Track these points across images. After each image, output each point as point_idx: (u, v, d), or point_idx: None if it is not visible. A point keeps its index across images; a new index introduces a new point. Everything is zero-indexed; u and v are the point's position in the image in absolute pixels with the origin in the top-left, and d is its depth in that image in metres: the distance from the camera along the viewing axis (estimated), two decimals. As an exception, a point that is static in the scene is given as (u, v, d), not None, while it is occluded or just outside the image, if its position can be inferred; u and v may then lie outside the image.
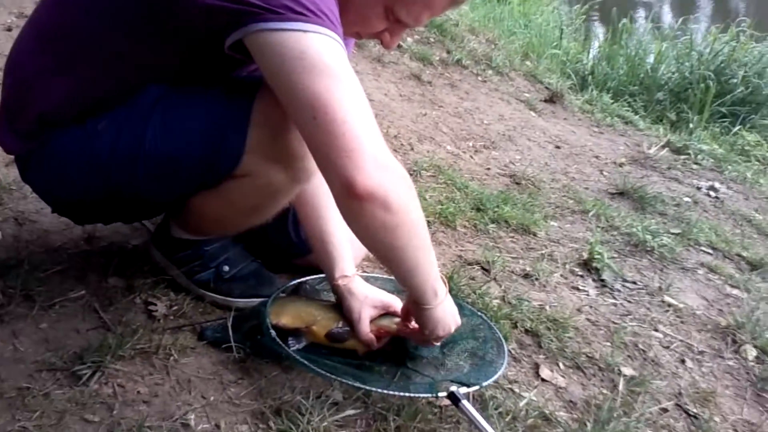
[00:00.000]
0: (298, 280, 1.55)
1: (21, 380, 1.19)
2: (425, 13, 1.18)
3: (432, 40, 4.49)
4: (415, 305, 1.28)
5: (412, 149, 2.92)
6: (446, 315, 1.30)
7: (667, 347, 1.80)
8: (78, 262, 1.54)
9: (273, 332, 1.32)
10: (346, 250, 1.44)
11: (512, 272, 2.00)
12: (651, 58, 6.12)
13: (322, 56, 1.01)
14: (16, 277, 1.41)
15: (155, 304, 1.44)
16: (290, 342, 1.34)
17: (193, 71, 1.22)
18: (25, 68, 1.28)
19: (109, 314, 1.40)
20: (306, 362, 1.27)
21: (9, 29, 3.02)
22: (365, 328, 1.36)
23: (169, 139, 1.23)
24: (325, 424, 1.21)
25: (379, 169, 1.02)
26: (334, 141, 1.01)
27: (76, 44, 1.20)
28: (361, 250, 1.70)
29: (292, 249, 1.62)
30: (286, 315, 1.38)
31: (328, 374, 1.26)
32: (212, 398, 1.25)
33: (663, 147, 3.88)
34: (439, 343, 1.40)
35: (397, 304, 1.41)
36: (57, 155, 1.27)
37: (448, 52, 4.48)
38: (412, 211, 1.11)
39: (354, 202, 1.04)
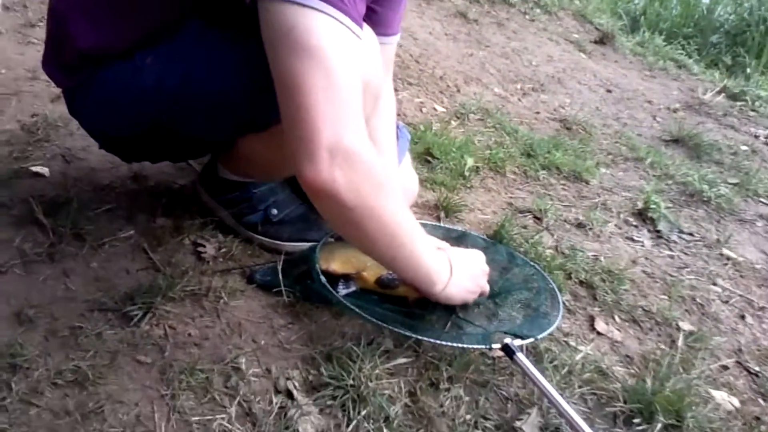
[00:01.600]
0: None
1: (74, 319, 1.19)
2: None
3: (479, -24, 4.33)
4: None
5: (459, 91, 2.83)
6: (457, 293, 1.27)
7: (726, 302, 1.73)
8: (126, 201, 1.52)
9: (323, 278, 1.29)
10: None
11: (565, 221, 1.93)
12: (707, -1, 5.83)
13: (311, 36, 0.94)
14: (65, 215, 1.39)
15: (204, 246, 1.42)
16: (340, 287, 1.31)
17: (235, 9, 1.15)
18: (62, 3, 1.25)
19: (159, 255, 1.38)
20: (356, 309, 1.24)
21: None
22: None
23: (216, 76, 1.18)
24: (377, 371, 1.19)
25: (333, 164, 0.96)
26: (293, 126, 0.97)
27: None
28: (412, 197, 1.66)
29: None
30: (336, 260, 1.34)
31: (379, 321, 1.23)
32: (263, 342, 1.23)
33: (719, 93, 3.72)
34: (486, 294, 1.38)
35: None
36: (104, 89, 1.24)
37: (495, -11, 4.32)
38: (377, 206, 1.04)
39: (309, 192, 1.01)
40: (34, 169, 1.55)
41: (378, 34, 1.37)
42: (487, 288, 1.36)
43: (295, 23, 0.94)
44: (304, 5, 0.94)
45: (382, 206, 1.05)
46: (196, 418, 1.06)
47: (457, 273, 1.26)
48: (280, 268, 1.34)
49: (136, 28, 1.21)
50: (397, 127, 1.60)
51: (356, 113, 0.99)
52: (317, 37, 0.94)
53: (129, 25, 1.21)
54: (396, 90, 2.56)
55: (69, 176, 1.57)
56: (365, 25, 1.15)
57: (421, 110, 2.50)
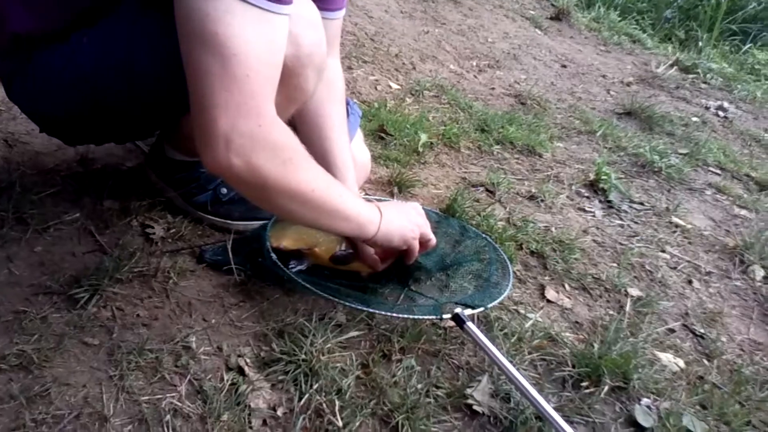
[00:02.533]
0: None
1: (18, 304, 1.17)
2: None
3: (434, -46, 4.31)
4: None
5: (414, 68, 2.83)
6: (395, 230, 1.26)
7: (674, 268, 1.77)
8: (71, 184, 1.49)
9: (274, 255, 1.29)
10: (350, 172, 1.40)
11: (517, 194, 1.96)
12: (661, -26, 5.90)
13: (208, 22, 0.92)
14: (8, 199, 1.36)
15: (152, 227, 1.41)
16: (292, 264, 1.31)
17: None
18: None
19: (106, 237, 1.36)
20: (308, 285, 1.24)
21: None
22: (369, 249, 1.33)
23: (152, 55, 1.16)
24: (329, 345, 1.20)
25: (228, 150, 0.96)
26: (194, 113, 0.98)
27: None
28: (364, 173, 1.66)
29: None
30: (288, 237, 1.34)
31: (331, 296, 1.23)
32: (213, 321, 1.23)
33: (671, 66, 3.79)
34: (433, 244, 1.36)
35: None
36: (41, 71, 1.21)
37: (451, -34, 4.31)
38: (285, 182, 1.03)
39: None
40: (-25, 154, 1.51)
41: (322, 9, 1.36)
42: (428, 233, 1.33)
43: (195, 8, 0.92)
44: None
45: (291, 180, 1.04)
46: (146, 398, 1.05)
47: (388, 213, 1.25)
48: (230, 246, 1.34)
49: (70, 10, 1.18)
50: (349, 103, 1.59)
51: (257, 96, 0.97)
52: (215, 22, 0.92)
53: (63, 7, 1.18)
54: (350, 68, 2.55)
55: (12, 161, 1.53)
56: (306, 0, 1.14)
57: (375, 88, 2.50)
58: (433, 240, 1.35)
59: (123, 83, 1.19)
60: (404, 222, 1.28)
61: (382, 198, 1.68)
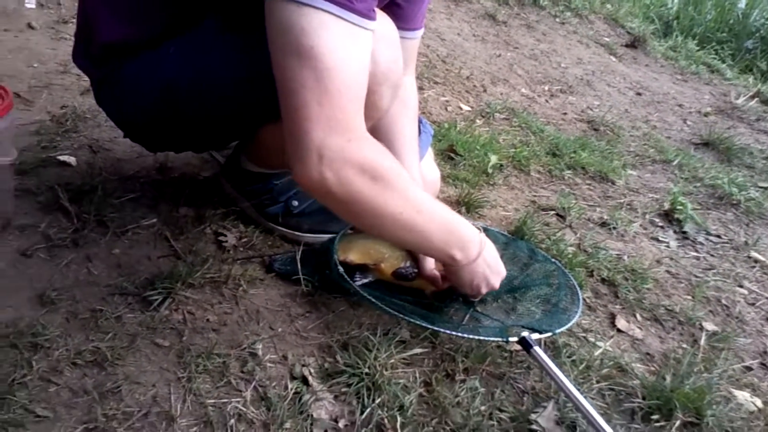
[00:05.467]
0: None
1: (94, 302, 1.21)
2: None
3: (509, -21, 4.32)
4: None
5: (485, 91, 2.82)
6: (476, 275, 1.25)
7: (753, 304, 1.70)
8: (150, 190, 1.54)
9: (340, 268, 1.29)
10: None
11: (589, 220, 1.92)
12: (742, 3, 5.74)
13: (305, 37, 0.93)
14: (90, 202, 1.42)
15: (225, 235, 1.44)
16: (357, 277, 1.31)
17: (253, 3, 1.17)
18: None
19: (180, 243, 1.40)
20: (373, 299, 1.24)
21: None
22: (430, 265, 1.32)
23: (234, 66, 1.19)
24: (392, 361, 1.19)
25: (321, 164, 0.96)
26: (287, 125, 0.99)
27: None
28: (434, 191, 1.66)
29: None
30: (354, 251, 1.35)
31: (396, 312, 1.23)
32: (280, 330, 1.24)
33: (752, 97, 3.66)
34: (478, 297, 1.34)
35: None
36: (129, 78, 1.26)
37: (525, -9, 4.30)
38: (375, 200, 1.03)
39: (304, 189, 1.04)
40: (61, 158, 1.58)
41: (400, 29, 1.37)
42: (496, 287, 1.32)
43: (292, 23, 0.94)
44: (303, 4, 0.93)
45: (381, 198, 1.04)
46: (212, 401, 1.07)
47: (485, 258, 1.24)
48: (298, 257, 1.35)
49: (158, 21, 1.23)
50: (420, 122, 1.60)
51: (349, 111, 0.98)
52: (310, 36, 0.94)
53: (151, 18, 1.23)
54: (422, 89, 2.57)
55: (95, 166, 1.60)
56: (384, 16, 1.15)
57: (446, 109, 2.50)
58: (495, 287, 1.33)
59: (204, 93, 1.22)
60: (489, 276, 1.27)
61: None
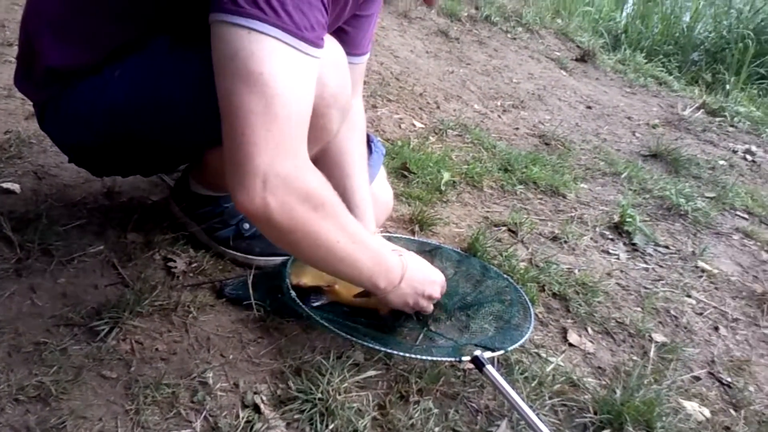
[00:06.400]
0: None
1: (38, 335, 1.18)
2: None
3: (460, -5, 4.38)
4: None
5: (438, 107, 2.85)
6: (405, 296, 1.26)
7: (701, 314, 1.74)
8: (97, 217, 1.51)
9: (293, 292, 1.29)
10: (368, 209, 1.41)
11: (540, 234, 1.94)
12: (687, 17, 5.92)
13: (253, 62, 0.93)
14: (34, 231, 1.39)
15: (174, 261, 1.42)
16: (311, 299, 1.31)
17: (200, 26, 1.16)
18: (32, 22, 1.26)
19: (128, 270, 1.37)
20: (326, 323, 1.23)
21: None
22: None
23: (181, 90, 1.18)
24: (346, 384, 1.18)
25: (264, 190, 0.96)
26: (230, 150, 0.98)
27: None
28: (387, 210, 1.66)
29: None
30: (307, 275, 1.34)
31: (349, 335, 1.23)
32: (231, 357, 1.22)
33: (698, 109, 3.76)
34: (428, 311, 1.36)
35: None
36: (73, 102, 1.24)
37: (477, 8, 4.37)
38: (313, 228, 1.04)
39: (244, 215, 1.03)
40: (4, 185, 1.54)
41: (347, 54, 1.39)
42: (427, 309, 1.34)
43: (241, 48, 0.94)
44: (253, 30, 0.93)
45: (320, 227, 1.04)
46: (161, 433, 1.05)
47: (409, 278, 1.25)
48: (250, 281, 1.34)
49: (103, 46, 1.21)
50: (372, 141, 1.60)
51: (295, 138, 0.98)
52: (260, 62, 0.94)
53: (96, 43, 1.21)
54: (375, 106, 2.58)
55: (40, 192, 1.56)
56: (333, 41, 1.16)
57: (399, 126, 2.52)
58: (430, 310, 1.35)
59: (151, 117, 1.21)
60: (410, 300, 1.28)
61: (406, 237, 1.67)
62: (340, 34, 1.36)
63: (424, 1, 1.16)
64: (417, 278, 1.27)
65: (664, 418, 1.26)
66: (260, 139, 0.95)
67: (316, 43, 0.99)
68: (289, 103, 0.96)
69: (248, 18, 0.93)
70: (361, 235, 1.14)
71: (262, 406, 1.13)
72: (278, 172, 0.96)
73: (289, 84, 0.96)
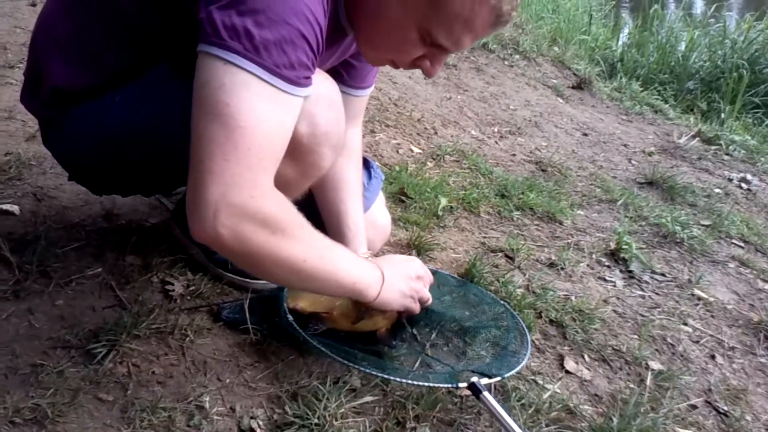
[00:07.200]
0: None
1: (35, 357, 1.18)
2: (467, 36, 1.06)
3: (459, 23, 4.41)
4: None
5: (436, 133, 2.87)
6: (392, 295, 1.26)
7: (697, 342, 1.74)
8: (96, 239, 1.52)
9: (290, 316, 1.29)
10: (360, 232, 1.43)
11: (537, 261, 1.95)
12: (682, 46, 5.99)
13: (222, 93, 0.94)
14: (32, 252, 1.39)
15: (172, 284, 1.42)
16: (309, 326, 1.31)
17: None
18: (41, 41, 1.28)
19: (126, 293, 1.37)
20: (323, 348, 1.23)
21: (33, 4, 3.01)
22: None
23: (179, 116, 1.18)
24: (342, 410, 1.18)
25: (216, 221, 0.95)
26: (190, 177, 0.97)
27: (90, 19, 1.20)
28: (384, 235, 1.67)
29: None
30: (304, 299, 1.34)
31: (346, 361, 1.23)
32: (228, 381, 1.22)
33: (693, 137, 3.79)
34: (429, 303, 1.37)
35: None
36: (75, 123, 1.26)
37: (475, 35, 4.40)
38: (274, 253, 1.03)
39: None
40: (4, 207, 1.55)
41: (352, 86, 1.41)
42: (425, 293, 1.34)
43: (211, 77, 0.94)
44: (227, 61, 0.94)
45: (282, 250, 1.03)
46: (156, 458, 1.04)
47: (390, 277, 1.26)
48: (247, 305, 1.34)
49: (106, 70, 1.24)
50: (372, 166, 1.62)
51: (254, 169, 0.97)
52: (228, 94, 0.94)
53: (99, 67, 1.24)
54: (373, 132, 2.60)
55: (39, 214, 1.57)
56: (326, 78, 1.16)
57: (397, 151, 2.53)
58: (430, 299, 1.36)
59: (149, 142, 1.22)
60: (403, 287, 1.29)
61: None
62: (347, 67, 1.38)
63: (424, 73, 1.17)
64: (397, 278, 1.28)
65: (660, 447, 1.26)
66: (217, 167, 0.95)
67: (296, 82, 0.99)
68: (253, 135, 0.95)
69: (227, 51, 0.93)
70: (329, 249, 1.13)
71: (258, 430, 1.13)
72: (230, 203, 0.95)
73: (256, 117, 0.96)
